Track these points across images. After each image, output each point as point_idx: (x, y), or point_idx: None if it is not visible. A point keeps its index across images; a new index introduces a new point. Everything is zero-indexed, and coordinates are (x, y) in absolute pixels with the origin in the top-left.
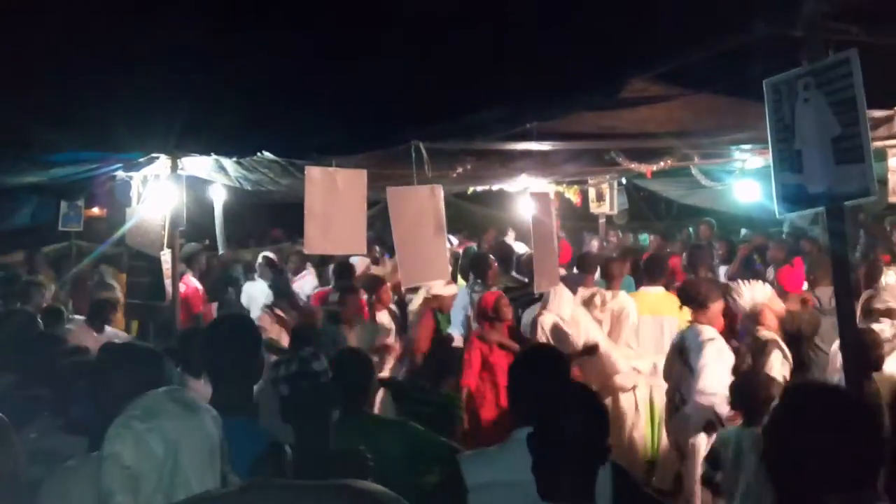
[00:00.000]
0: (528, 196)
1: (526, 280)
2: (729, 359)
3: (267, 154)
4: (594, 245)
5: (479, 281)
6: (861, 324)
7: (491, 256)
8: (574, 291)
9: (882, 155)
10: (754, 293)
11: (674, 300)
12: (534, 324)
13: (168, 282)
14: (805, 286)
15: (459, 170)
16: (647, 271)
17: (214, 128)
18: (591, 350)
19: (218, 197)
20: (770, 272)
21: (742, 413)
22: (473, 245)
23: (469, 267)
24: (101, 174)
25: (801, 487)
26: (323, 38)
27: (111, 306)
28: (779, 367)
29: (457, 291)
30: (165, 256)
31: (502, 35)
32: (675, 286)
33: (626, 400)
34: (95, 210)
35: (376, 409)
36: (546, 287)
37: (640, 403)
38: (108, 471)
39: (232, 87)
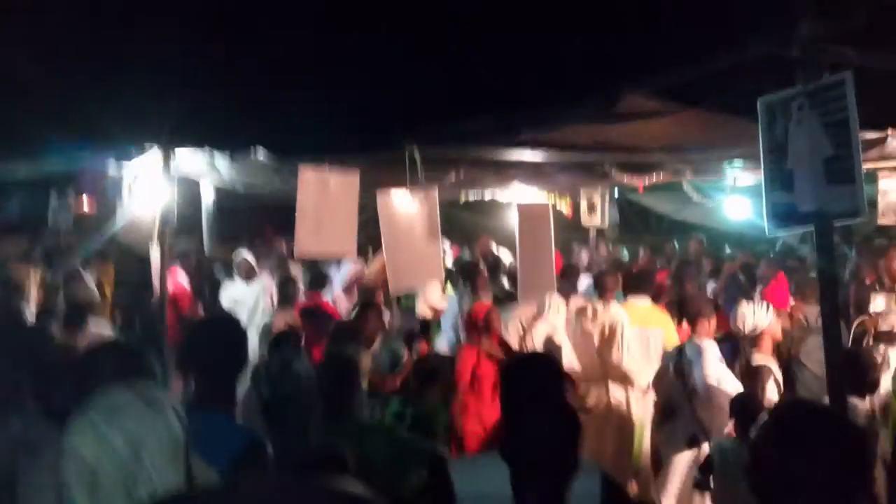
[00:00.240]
0: (518, 206)
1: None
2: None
3: (260, 150)
4: (584, 256)
5: (468, 290)
6: (853, 347)
7: (481, 265)
8: (566, 302)
9: (873, 177)
10: (756, 319)
11: (660, 313)
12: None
13: (156, 277)
14: (791, 302)
15: (452, 178)
16: (634, 283)
17: (208, 120)
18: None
19: (207, 195)
20: (757, 290)
21: (736, 426)
22: (465, 252)
23: (459, 275)
24: (92, 165)
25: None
26: (322, 38)
27: (90, 307)
28: (769, 394)
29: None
30: (154, 253)
31: (503, 45)
32: (664, 300)
33: (614, 410)
34: (85, 207)
35: None
36: (531, 297)
37: (625, 414)
38: (66, 465)
39: (227, 82)
